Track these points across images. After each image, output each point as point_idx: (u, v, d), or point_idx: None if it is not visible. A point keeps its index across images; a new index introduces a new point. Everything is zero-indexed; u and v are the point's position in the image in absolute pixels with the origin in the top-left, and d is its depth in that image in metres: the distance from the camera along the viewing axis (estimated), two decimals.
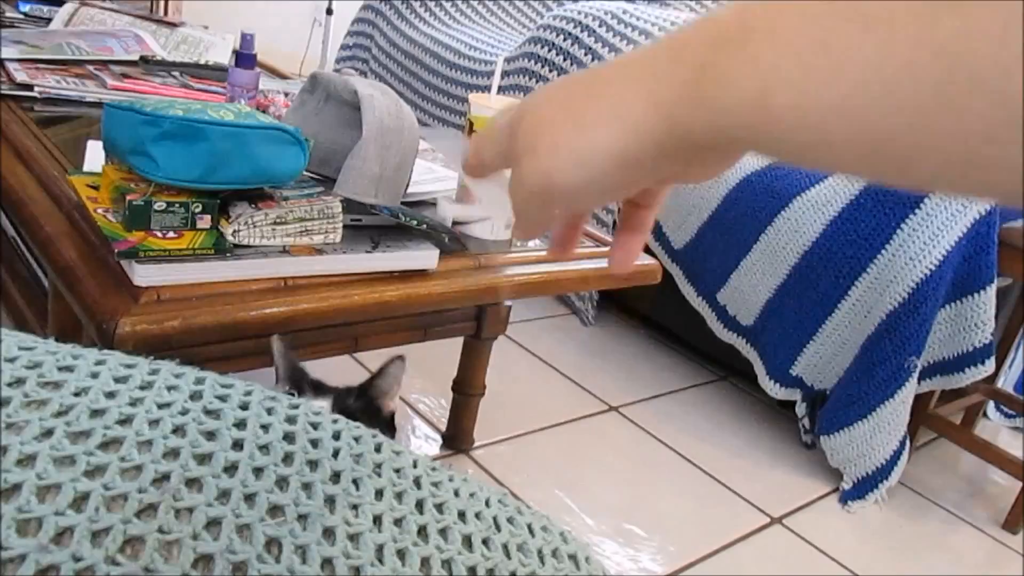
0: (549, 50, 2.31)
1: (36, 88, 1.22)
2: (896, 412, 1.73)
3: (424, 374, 1.77)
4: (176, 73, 1.48)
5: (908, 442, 1.80)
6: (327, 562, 0.34)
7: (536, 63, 2.34)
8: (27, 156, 0.96)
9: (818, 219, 1.80)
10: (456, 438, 1.53)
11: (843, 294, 1.78)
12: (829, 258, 1.79)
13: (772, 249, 1.87)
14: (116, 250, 0.71)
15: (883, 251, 1.73)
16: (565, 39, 2.28)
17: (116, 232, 0.74)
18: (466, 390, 1.46)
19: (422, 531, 0.39)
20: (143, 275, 0.71)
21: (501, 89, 2.35)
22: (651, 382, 2.06)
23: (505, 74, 2.40)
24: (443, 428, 1.58)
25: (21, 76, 1.23)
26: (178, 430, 0.37)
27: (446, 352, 1.52)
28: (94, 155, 1.04)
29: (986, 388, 1.96)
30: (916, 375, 1.73)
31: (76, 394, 0.37)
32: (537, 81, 2.34)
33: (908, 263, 1.68)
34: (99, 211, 0.78)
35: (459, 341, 1.45)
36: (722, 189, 1.96)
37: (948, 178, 0.26)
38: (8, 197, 0.88)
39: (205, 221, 0.78)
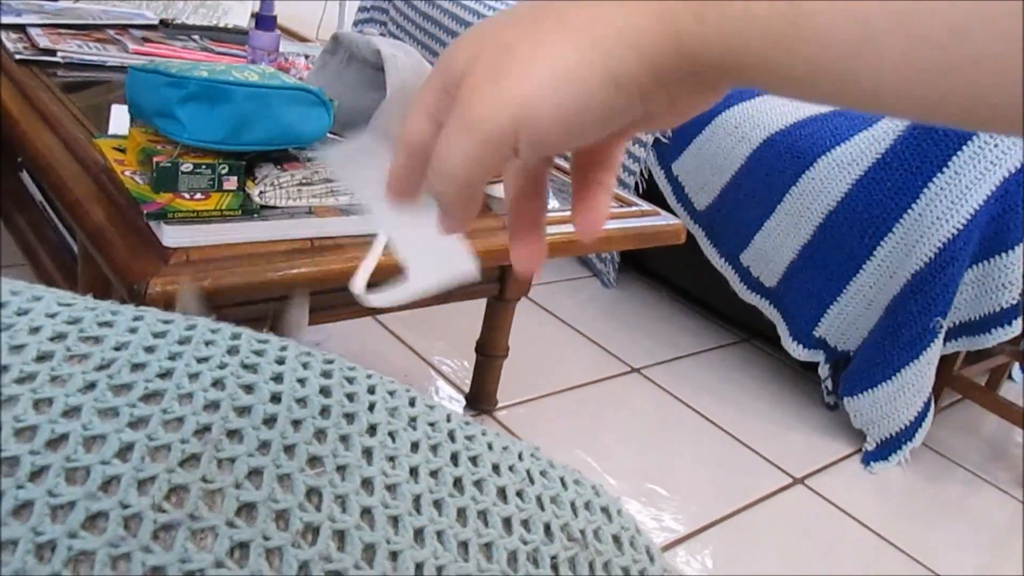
0: None
1: (59, 53, 1.22)
2: (921, 373, 1.72)
3: (447, 336, 1.78)
4: (196, 36, 1.48)
5: (932, 404, 1.80)
6: (366, 511, 0.34)
7: None
8: (53, 121, 0.97)
9: (843, 179, 1.79)
10: (479, 399, 1.54)
11: (868, 254, 1.77)
12: (854, 218, 1.77)
13: (796, 209, 1.86)
14: (145, 212, 0.72)
15: (909, 211, 1.71)
16: None
17: (144, 194, 0.74)
18: (489, 352, 1.46)
19: (457, 483, 0.39)
20: (172, 236, 0.72)
21: None
22: (673, 344, 2.06)
23: None
24: (466, 389, 1.59)
25: (44, 42, 1.23)
26: (217, 383, 0.37)
27: (469, 314, 1.53)
28: (119, 119, 1.04)
29: (1012, 350, 1.95)
30: (942, 336, 1.72)
31: (116, 348, 0.37)
32: None
33: (935, 223, 1.67)
34: (126, 173, 0.78)
35: (481, 303, 1.45)
36: (745, 149, 1.94)
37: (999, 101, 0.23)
38: (36, 162, 0.88)
39: (231, 183, 0.78)
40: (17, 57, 1.17)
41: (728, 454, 1.66)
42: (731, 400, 1.86)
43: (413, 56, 0.91)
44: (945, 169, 1.68)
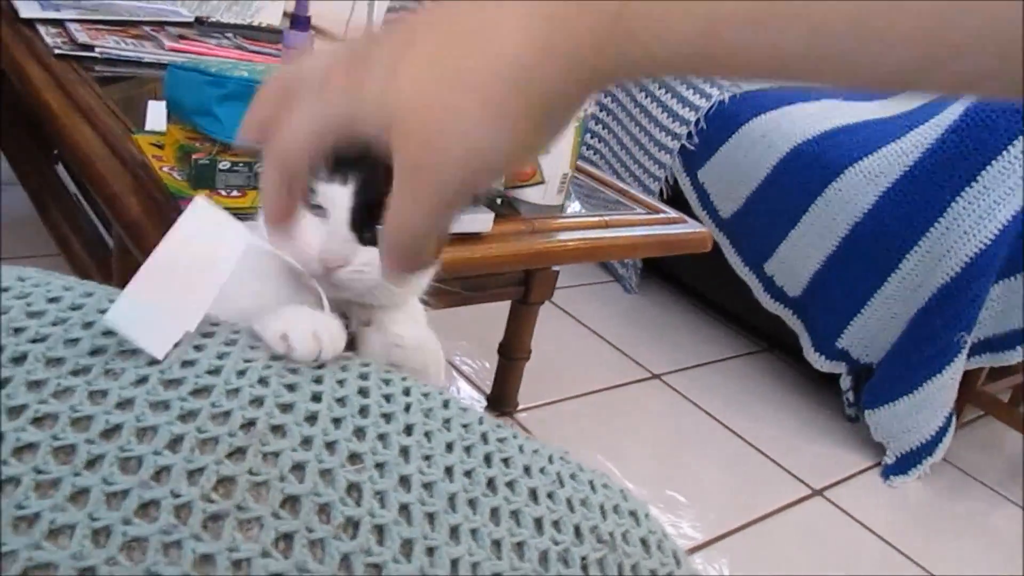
0: None
1: (97, 49, 1.24)
2: (943, 388, 1.71)
3: (469, 337, 1.79)
4: (229, 35, 1.49)
5: (954, 419, 1.79)
6: (404, 508, 0.35)
7: None
8: (91, 115, 0.99)
9: (870, 191, 1.78)
10: (501, 401, 1.55)
11: (894, 267, 1.76)
12: (880, 230, 1.77)
13: (822, 220, 1.85)
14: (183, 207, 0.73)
15: (936, 224, 1.70)
16: None
17: (182, 190, 0.76)
18: (512, 354, 1.47)
19: (491, 483, 0.40)
20: None
21: None
22: (693, 351, 2.06)
23: None
24: (487, 390, 1.60)
25: (82, 37, 1.25)
26: (262, 381, 0.38)
27: (490, 316, 1.54)
28: (155, 115, 1.06)
29: None
30: (965, 351, 1.71)
31: None
32: None
33: (961, 237, 1.66)
34: (164, 169, 0.80)
35: (503, 305, 1.46)
36: (772, 158, 1.94)
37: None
38: (75, 155, 0.90)
39: None
40: (56, 52, 1.19)
41: (747, 463, 1.66)
42: (751, 409, 1.86)
43: None
44: (973, 183, 1.67)
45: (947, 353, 1.69)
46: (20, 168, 1.41)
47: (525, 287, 1.38)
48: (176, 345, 0.38)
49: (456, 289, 1.22)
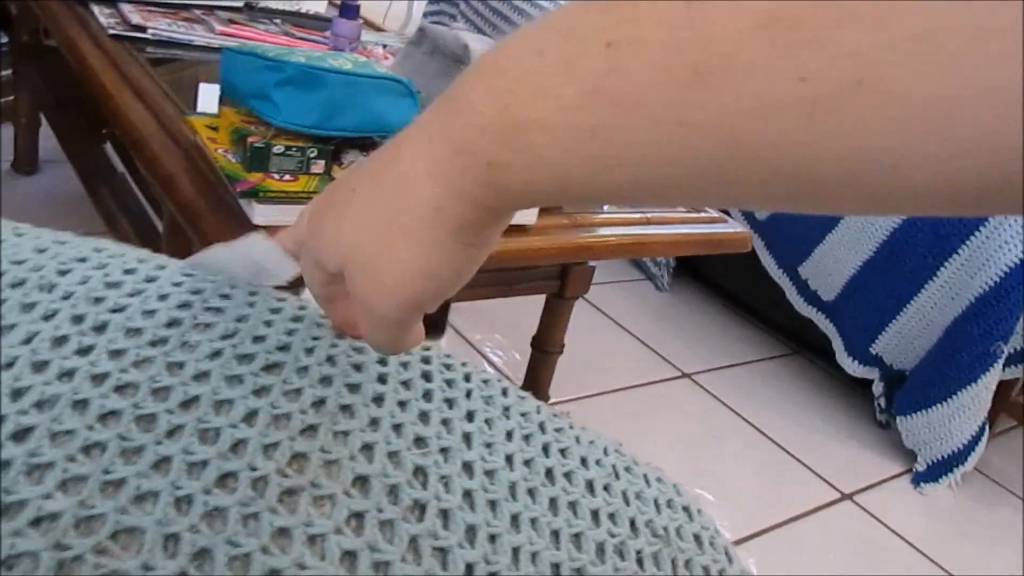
0: None
1: (149, 30, 1.26)
2: (978, 397, 1.70)
3: (502, 329, 1.80)
4: (277, 21, 1.51)
5: (987, 428, 1.77)
6: (467, 494, 0.36)
7: None
8: (144, 96, 1.00)
9: None
10: (532, 393, 1.55)
11: (931, 275, 1.75)
12: (919, 237, 1.75)
13: (860, 224, 1.84)
14: (238, 189, 0.74)
15: (976, 233, 1.69)
16: None
17: (237, 172, 0.77)
18: (545, 347, 1.47)
19: (549, 473, 0.40)
20: (262, 214, 0.74)
21: None
22: (724, 351, 2.06)
23: None
24: (518, 383, 1.60)
25: (135, 18, 1.27)
26: (330, 360, 0.39)
27: (524, 309, 1.54)
28: (206, 97, 1.07)
29: None
30: (1001, 361, 1.69)
31: (237, 320, 0.39)
32: None
33: (1002, 247, 1.64)
34: (219, 151, 0.80)
35: (534, 299, 1.46)
36: None
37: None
38: (129, 135, 0.91)
39: (319, 166, 0.80)
40: (110, 32, 1.21)
41: (776, 465, 1.65)
42: (781, 411, 1.85)
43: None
44: None
45: (983, 362, 1.68)
46: (69, 146, 1.43)
47: (561, 281, 1.38)
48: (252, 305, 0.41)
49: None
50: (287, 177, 0.78)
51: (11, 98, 1.86)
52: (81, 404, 0.31)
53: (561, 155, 0.27)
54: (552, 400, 1.59)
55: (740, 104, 0.23)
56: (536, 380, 1.54)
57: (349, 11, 1.24)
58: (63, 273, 0.39)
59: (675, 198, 0.28)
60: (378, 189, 0.34)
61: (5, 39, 1.90)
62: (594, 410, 1.64)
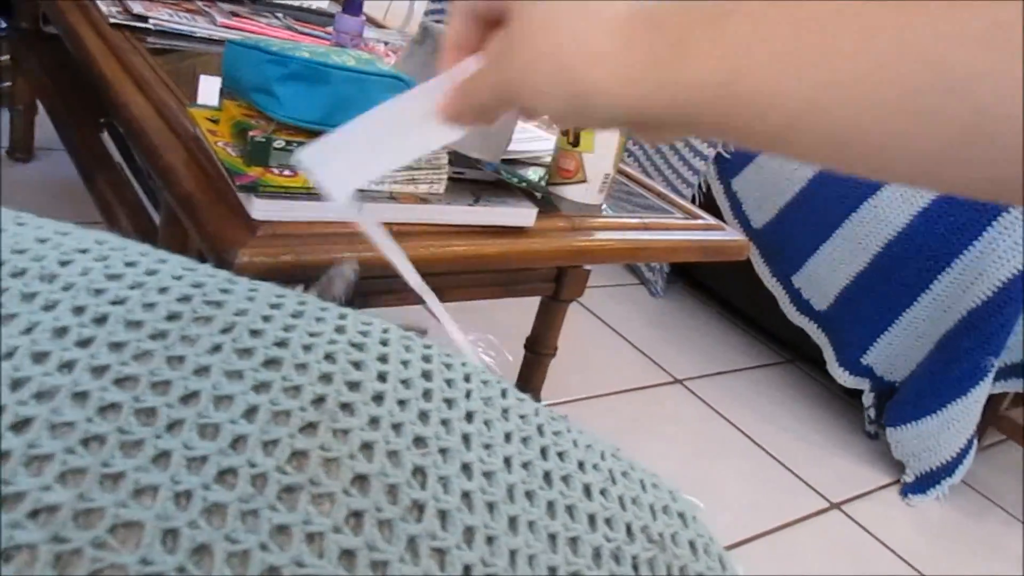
0: None
1: (151, 20, 1.25)
2: (967, 411, 1.70)
3: (494, 330, 1.79)
4: (280, 15, 1.50)
5: (976, 442, 1.78)
6: (465, 495, 0.36)
7: None
8: (145, 86, 0.99)
9: (905, 209, 1.77)
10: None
11: (924, 287, 1.75)
12: (913, 250, 1.76)
13: (855, 236, 1.84)
14: (238, 183, 0.74)
15: (970, 247, 1.69)
16: None
17: (237, 166, 0.76)
18: (539, 349, 1.47)
19: (547, 476, 0.40)
20: (261, 209, 0.74)
21: None
22: (717, 358, 2.06)
23: None
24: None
25: (137, 8, 1.26)
26: (329, 357, 0.39)
27: (517, 311, 1.54)
28: (207, 89, 1.07)
29: None
30: (992, 375, 1.70)
31: (236, 314, 0.39)
32: None
33: (996, 261, 1.65)
34: (219, 144, 0.80)
35: (527, 301, 1.46)
36: (808, 171, 1.93)
37: (920, 175, 0.27)
38: (129, 125, 0.91)
39: None
40: (111, 21, 1.20)
41: (765, 473, 1.66)
42: (772, 419, 1.86)
43: None
44: (1011, 209, 1.66)
45: (974, 376, 1.68)
46: (66, 134, 1.42)
47: (557, 284, 1.38)
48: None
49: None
50: (287, 172, 0.78)
51: (9, 84, 1.85)
52: (81, 396, 0.31)
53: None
54: (544, 403, 1.59)
55: (963, 31, 0.24)
56: (528, 382, 1.54)
57: (353, 7, 1.24)
58: (64, 264, 0.39)
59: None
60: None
61: (4, 25, 1.89)
62: (585, 414, 1.64)
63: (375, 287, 1.11)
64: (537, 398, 1.56)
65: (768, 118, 0.28)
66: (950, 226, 1.72)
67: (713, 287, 2.35)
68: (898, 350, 1.83)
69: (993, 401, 1.81)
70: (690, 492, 1.47)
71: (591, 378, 1.77)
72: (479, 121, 0.41)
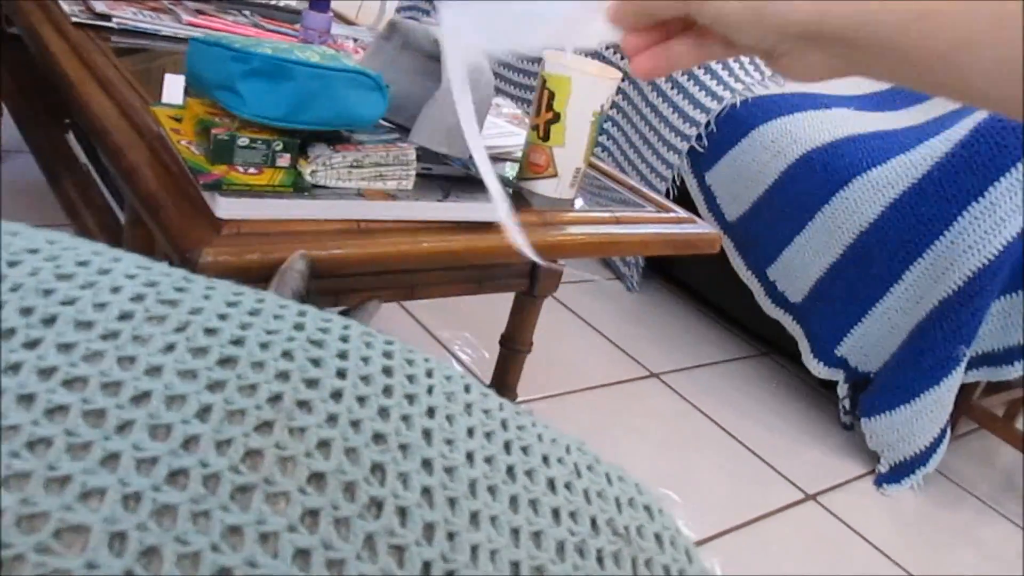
0: None
1: (114, 19, 1.24)
2: (940, 400, 1.72)
3: (470, 327, 1.79)
4: (247, 12, 1.49)
5: (949, 431, 1.79)
6: (426, 491, 0.35)
7: None
8: (108, 85, 0.98)
9: (877, 201, 1.78)
10: (499, 392, 1.54)
11: (897, 278, 1.77)
12: (885, 241, 1.77)
13: (827, 228, 1.86)
14: (201, 182, 0.73)
15: (941, 237, 1.70)
16: None
17: (200, 164, 0.75)
18: (514, 345, 1.47)
19: (510, 470, 0.40)
20: (226, 208, 0.73)
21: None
22: (693, 352, 2.07)
23: None
24: (486, 381, 1.60)
25: (100, 6, 1.25)
26: (287, 355, 0.38)
27: (492, 307, 1.54)
28: (172, 88, 1.05)
29: None
30: (964, 365, 1.71)
31: (191, 313, 0.38)
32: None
33: (966, 251, 1.66)
34: (183, 143, 0.79)
35: (502, 297, 1.46)
36: (781, 164, 1.94)
37: None
38: (92, 125, 0.90)
39: (285, 160, 0.80)
40: (73, 20, 1.18)
41: (741, 465, 1.66)
42: (747, 412, 1.87)
43: (470, 48, 0.92)
44: (981, 199, 1.67)
45: (946, 366, 1.70)
46: (30, 135, 1.40)
47: (531, 279, 1.38)
48: None
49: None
50: (252, 170, 0.77)
51: None
52: (27, 399, 0.30)
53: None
54: (520, 399, 1.59)
55: None
56: (504, 378, 1.54)
57: (320, 3, 1.23)
58: (13, 264, 0.38)
59: None
60: None
61: None
62: (562, 409, 1.64)
63: (349, 284, 1.11)
64: (513, 395, 1.56)
65: (944, 34, 0.33)
66: (921, 217, 1.73)
67: (689, 281, 2.35)
68: (872, 341, 1.84)
69: (965, 390, 1.83)
70: (666, 485, 1.49)
71: (567, 374, 1.77)
72: (639, 22, 0.43)
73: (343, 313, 0.82)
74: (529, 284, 1.38)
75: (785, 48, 0.40)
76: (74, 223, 1.16)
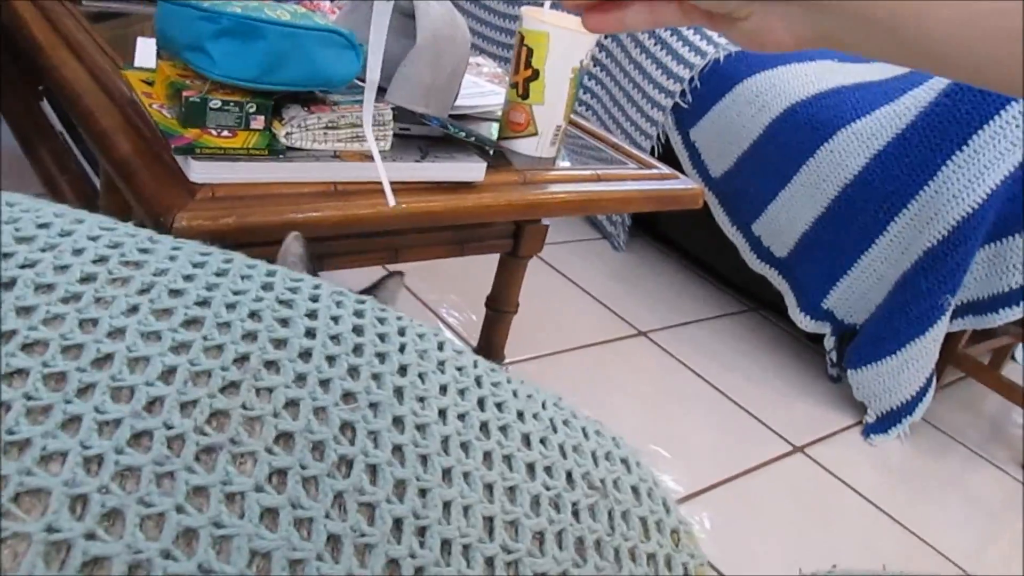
0: None
1: None
2: (926, 349, 1.73)
3: (456, 289, 1.79)
4: None
5: (935, 380, 1.81)
6: (397, 448, 0.35)
7: None
8: (79, 50, 0.97)
9: (861, 152, 1.78)
10: (487, 353, 1.55)
11: (882, 229, 1.77)
12: (870, 192, 1.77)
13: (812, 181, 1.85)
14: (173, 146, 0.72)
15: (925, 187, 1.70)
16: None
17: (172, 128, 0.74)
18: (500, 307, 1.47)
19: (484, 427, 0.40)
20: (199, 171, 0.72)
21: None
22: (680, 309, 2.07)
23: None
24: (474, 343, 1.60)
25: None
26: (254, 315, 0.38)
27: (479, 269, 1.53)
28: (144, 51, 1.04)
29: (1016, 331, 1.95)
30: (949, 314, 1.72)
31: (156, 274, 0.38)
32: None
33: (950, 200, 1.66)
34: (155, 107, 0.78)
35: (489, 259, 1.46)
36: (765, 118, 1.93)
37: None
38: (63, 91, 0.88)
39: (259, 122, 0.78)
40: None
41: (730, 420, 1.67)
42: (735, 367, 1.87)
43: (445, 4, 0.91)
44: (964, 147, 1.67)
45: (931, 315, 1.70)
46: (4, 103, 1.38)
47: (515, 240, 1.37)
48: None
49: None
50: (225, 133, 0.76)
51: None
52: None
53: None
54: (508, 360, 1.59)
55: None
56: (491, 340, 1.54)
57: None
58: None
59: None
60: None
61: None
62: (550, 369, 1.65)
63: (332, 249, 1.10)
64: (501, 356, 1.56)
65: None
66: (905, 167, 1.72)
67: (675, 239, 2.35)
68: (858, 293, 1.85)
69: (951, 339, 1.84)
70: (655, 441, 1.49)
71: (555, 334, 1.77)
72: None
73: (365, 292, 0.82)
74: (513, 245, 1.37)
75: (746, 12, 0.38)
76: (50, 191, 1.14)
